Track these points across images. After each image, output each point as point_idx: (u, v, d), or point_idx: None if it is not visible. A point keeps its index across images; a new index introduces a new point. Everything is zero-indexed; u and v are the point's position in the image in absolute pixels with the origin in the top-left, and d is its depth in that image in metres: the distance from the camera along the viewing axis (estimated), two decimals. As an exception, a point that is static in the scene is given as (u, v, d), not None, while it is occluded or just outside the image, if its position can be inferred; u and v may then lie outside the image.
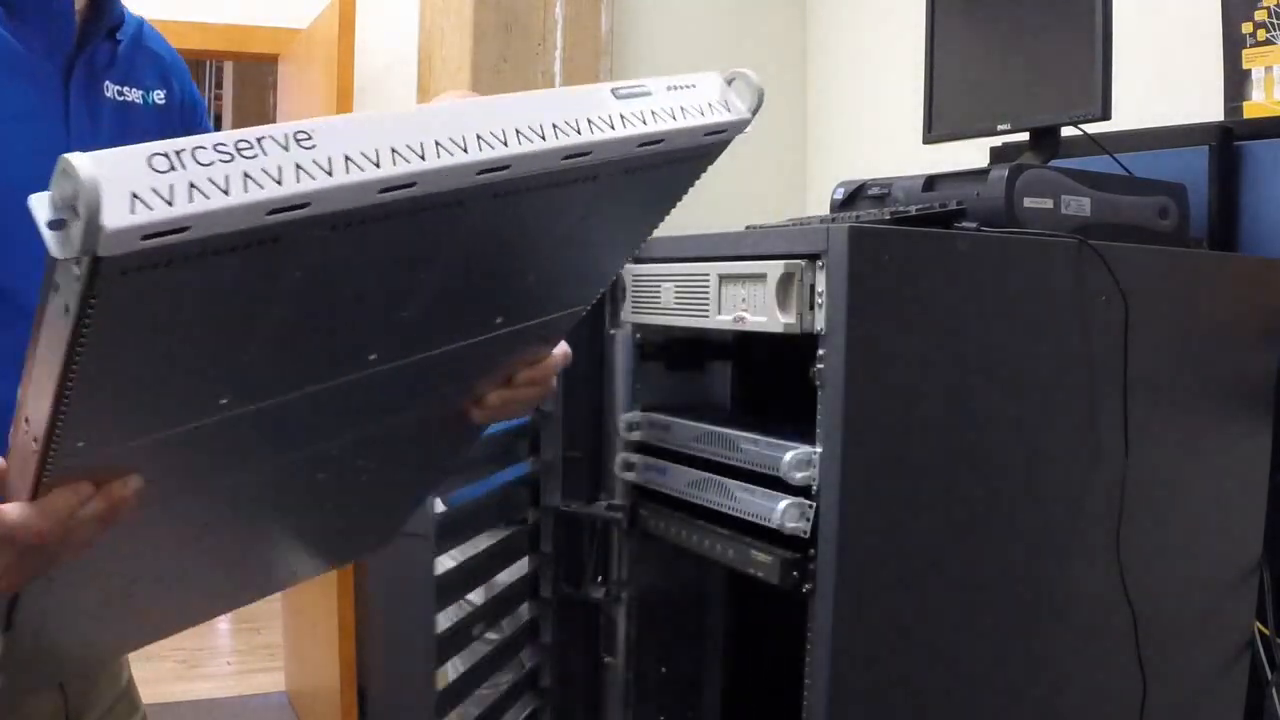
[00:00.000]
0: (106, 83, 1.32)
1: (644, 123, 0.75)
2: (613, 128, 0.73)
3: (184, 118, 1.42)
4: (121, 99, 1.33)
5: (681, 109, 0.78)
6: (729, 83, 0.83)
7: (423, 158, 0.63)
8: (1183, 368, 1.60)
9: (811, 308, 1.42)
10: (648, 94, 0.76)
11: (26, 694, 1.19)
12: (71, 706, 1.31)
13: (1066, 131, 1.72)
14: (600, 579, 2.03)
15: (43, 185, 0.56)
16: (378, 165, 0.61)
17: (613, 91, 0.75)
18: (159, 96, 1.38)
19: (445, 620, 1.84)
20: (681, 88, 0.80)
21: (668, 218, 0.92)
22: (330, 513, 1.12)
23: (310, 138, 0.60)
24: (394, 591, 1.83)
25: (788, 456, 1.40)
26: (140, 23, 1.39)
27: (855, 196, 1.83)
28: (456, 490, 1.96)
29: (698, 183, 0.88)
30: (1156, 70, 2.07)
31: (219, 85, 7.54)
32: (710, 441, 1.60)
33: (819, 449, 1.39)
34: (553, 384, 1.13)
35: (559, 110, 0.71)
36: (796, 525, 1.40)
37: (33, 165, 0.87)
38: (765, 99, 0.82)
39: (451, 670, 2.14)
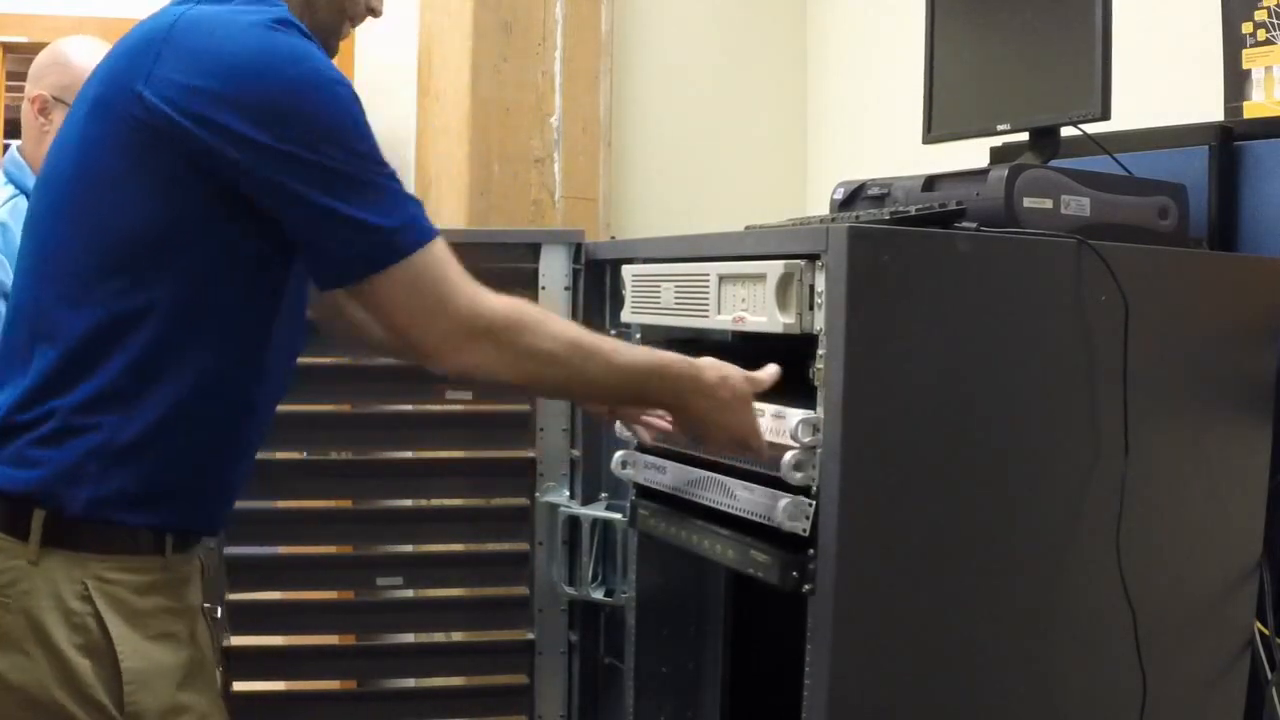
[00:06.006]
0: None
1: None
2: None
3: None
4: None
5: None
6: None
7: None
8: (1183, 368, 1.60)
9: (811, 308, 1.42)
10: None
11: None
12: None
13: (1066, 131, 1.72)
14: (600, 578, 2.03)
15: None
16: None
17: None
18: None
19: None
20: None
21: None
22: None
23: None
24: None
25: (788, 456, 1.40)
26: None
27: (855, 196, 1.83)
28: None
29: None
30: (1156, 70, 2.06)
31: (219, 85, 7.51)
32: (710, 441, 1.60)
33: (819, 448, 1.39)
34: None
35: None
36: (796, 524, 1.40)
37: None
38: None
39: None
